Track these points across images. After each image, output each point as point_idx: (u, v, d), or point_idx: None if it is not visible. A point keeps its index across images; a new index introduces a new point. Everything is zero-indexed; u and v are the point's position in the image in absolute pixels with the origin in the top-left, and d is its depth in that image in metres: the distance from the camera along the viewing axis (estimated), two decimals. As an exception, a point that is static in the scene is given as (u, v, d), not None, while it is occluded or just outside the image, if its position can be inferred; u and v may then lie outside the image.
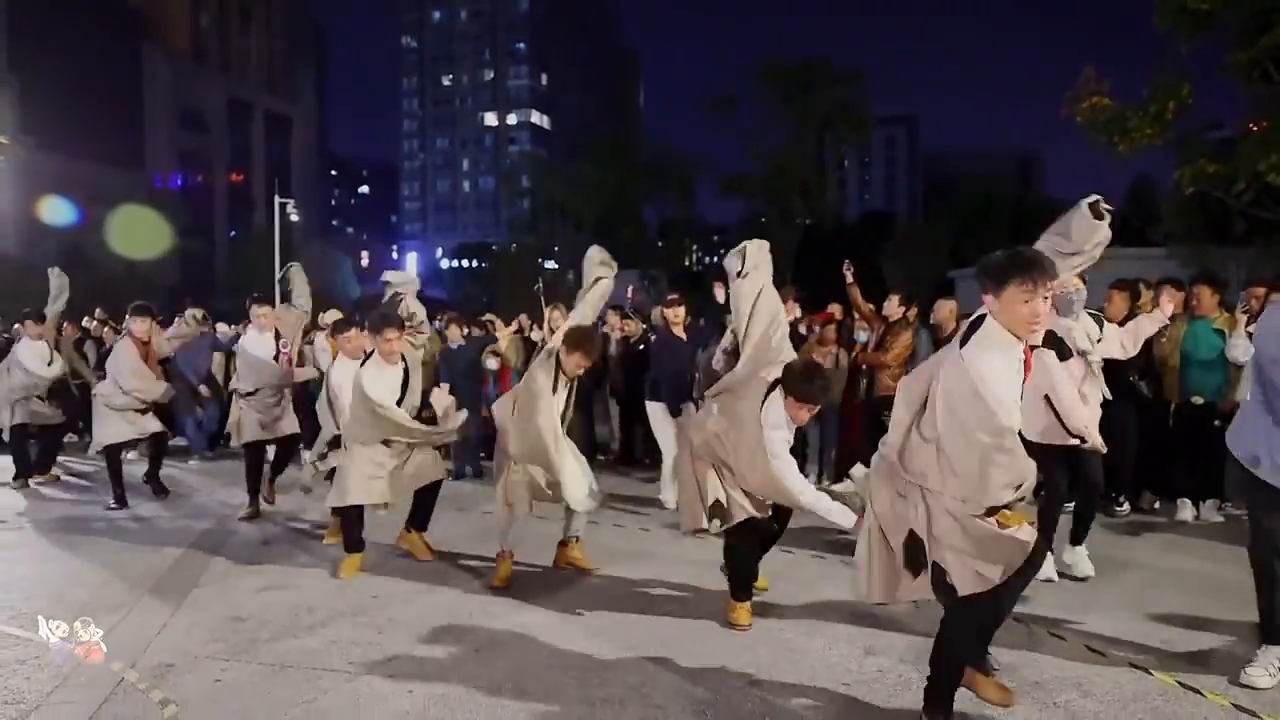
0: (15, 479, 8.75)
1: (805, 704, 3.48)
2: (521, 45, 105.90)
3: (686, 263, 58.96)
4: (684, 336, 7.63)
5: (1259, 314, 6.70)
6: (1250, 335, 6.56)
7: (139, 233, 42.02)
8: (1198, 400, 6.94)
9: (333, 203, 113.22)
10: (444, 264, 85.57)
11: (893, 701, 3.49)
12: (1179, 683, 3.65)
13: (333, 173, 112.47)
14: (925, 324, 8.24)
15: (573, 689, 3.63)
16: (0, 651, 4.14)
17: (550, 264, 53.91)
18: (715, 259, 69.81)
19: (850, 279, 7.97)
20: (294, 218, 40.83)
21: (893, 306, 7.87)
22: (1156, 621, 4.44)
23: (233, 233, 68.34)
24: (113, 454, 7.69)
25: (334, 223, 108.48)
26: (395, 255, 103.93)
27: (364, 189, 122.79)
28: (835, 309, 8.66)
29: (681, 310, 7.80)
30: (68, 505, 7.93)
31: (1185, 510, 7.03)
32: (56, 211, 38.49)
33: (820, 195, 48.07)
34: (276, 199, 38.33)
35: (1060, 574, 5.11)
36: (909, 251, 35.94)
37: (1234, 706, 3.41)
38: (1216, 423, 7.09)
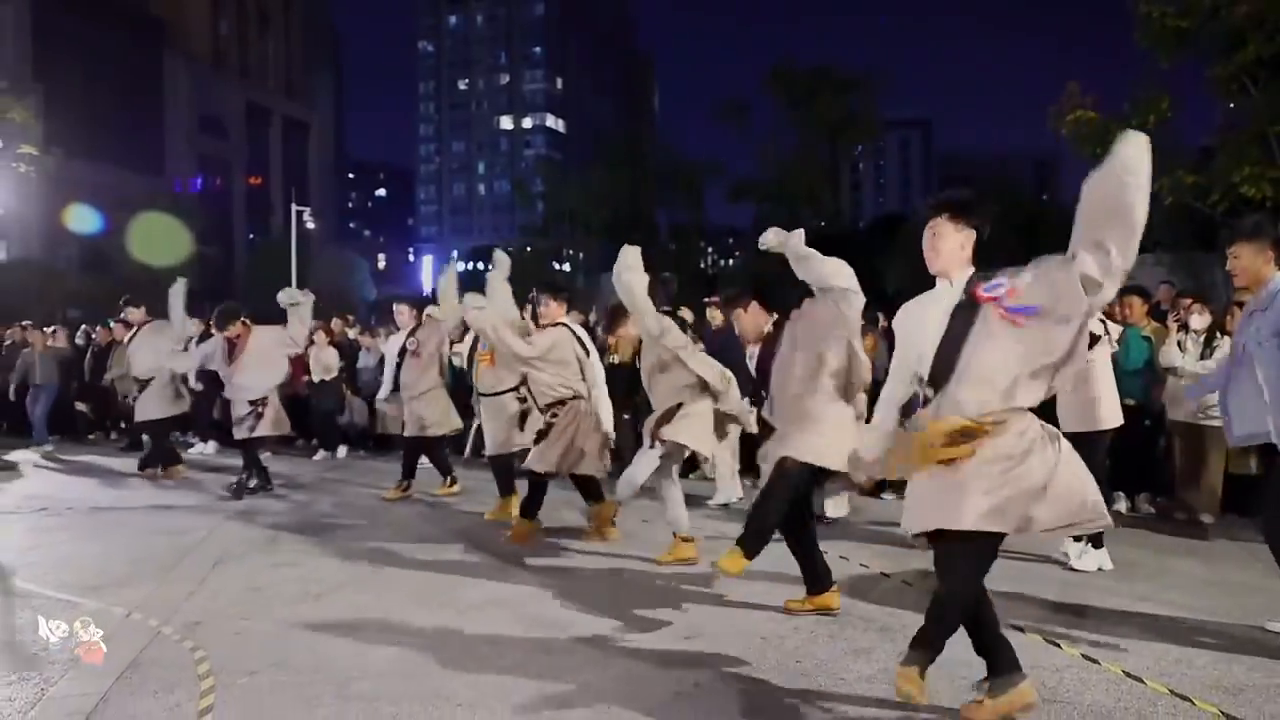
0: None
1: (728, 651, 4.15)
2: (537, 49, 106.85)
3: (701, 265, 59.63)
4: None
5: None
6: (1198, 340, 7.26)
7: (160, 237, 42.99)
8: (1129, 402, 7.55)
9: (350, 206, 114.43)
10: (460, 267, 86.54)
11: (800, 650, 4.17)
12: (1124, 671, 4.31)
13: (350, 176, 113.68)
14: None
15: (536, 640, 4.33)
16: (60, 611, 4.86)
17: (564, 266, 54.74)
18: (729, 261, 70.46)
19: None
20: (310, 225, 41.66)
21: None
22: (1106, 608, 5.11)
23: (251, 235, 69.43)
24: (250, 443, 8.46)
25: (351, 225, 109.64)
26: (411, 258, 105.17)
27: (381, 192, 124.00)
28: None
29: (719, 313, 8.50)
30: (99, 493, 8.70)
31: (1120, 503, 7.69)
32: (81, 218, 39.48)
33: (830, 200, 48.62)
34: (294, 207, 39.15)
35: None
36: (911, 255, 36.46)
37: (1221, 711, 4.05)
38: (1147, 422, 7.79)
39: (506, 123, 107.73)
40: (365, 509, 7.80)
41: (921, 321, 3.45)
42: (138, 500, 8.27)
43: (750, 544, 4.44)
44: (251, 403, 8.32)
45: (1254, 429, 4.37)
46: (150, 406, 9.35)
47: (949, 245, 3.38)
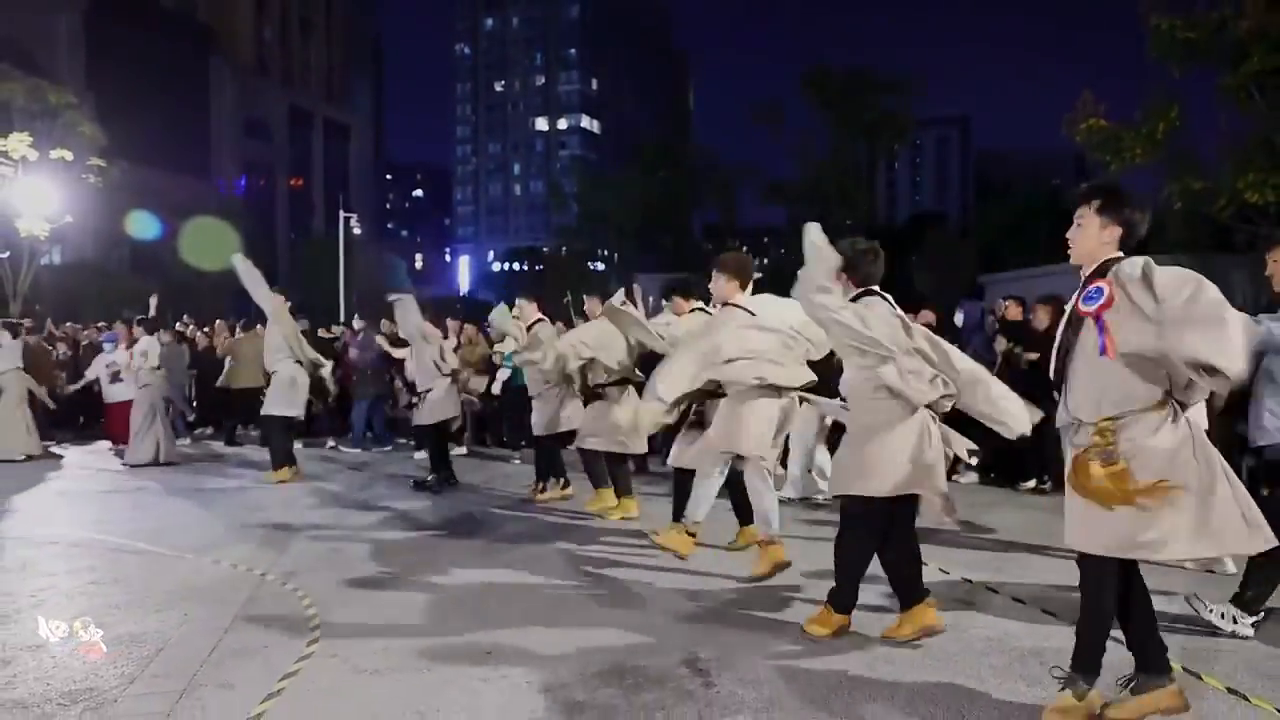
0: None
1: (723, 599, 5.10)
2: (572, 51, 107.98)
3: (737, 264, 60.28)
4: None
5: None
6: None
7: (209, 240, 44.52)
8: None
9: (388, 206, 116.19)
10: (495, 267, 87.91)
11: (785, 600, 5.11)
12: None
13: (388, 177, 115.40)
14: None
15: (571, 584, 5.31)
16: (178, 564, 5.93)
17: (599, 266, 55.81)
18: (764, 260, 71.06)
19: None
20: (356, 230, 43.01)
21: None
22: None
23: (292, 236, 71.18)
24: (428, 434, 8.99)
25: (389, 226, 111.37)
26: (448, 258, 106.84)
27: (418, 193, 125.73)
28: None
29: None
30: (186, 476, 9.79)
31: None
32: (138, 223, 41.09)
33: (864, 199, 49.20)
34: (342, 213, 40.56)
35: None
36: (940, 259, 36.88)
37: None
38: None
39: (542, 124, 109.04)
40: (414, 491, 8.81)
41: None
42: (220, 483, 9.37)
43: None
44: (420, 393, 8.77)
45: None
46: (272, 403, 9.37)
47: (1088, 238, 3.33)
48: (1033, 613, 4.77)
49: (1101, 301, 3.15)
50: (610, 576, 5.53)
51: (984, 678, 3.86)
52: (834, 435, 8.36)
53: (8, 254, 21.72)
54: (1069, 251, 3.38)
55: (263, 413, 9.51)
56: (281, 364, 9.20)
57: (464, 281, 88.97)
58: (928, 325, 9.49)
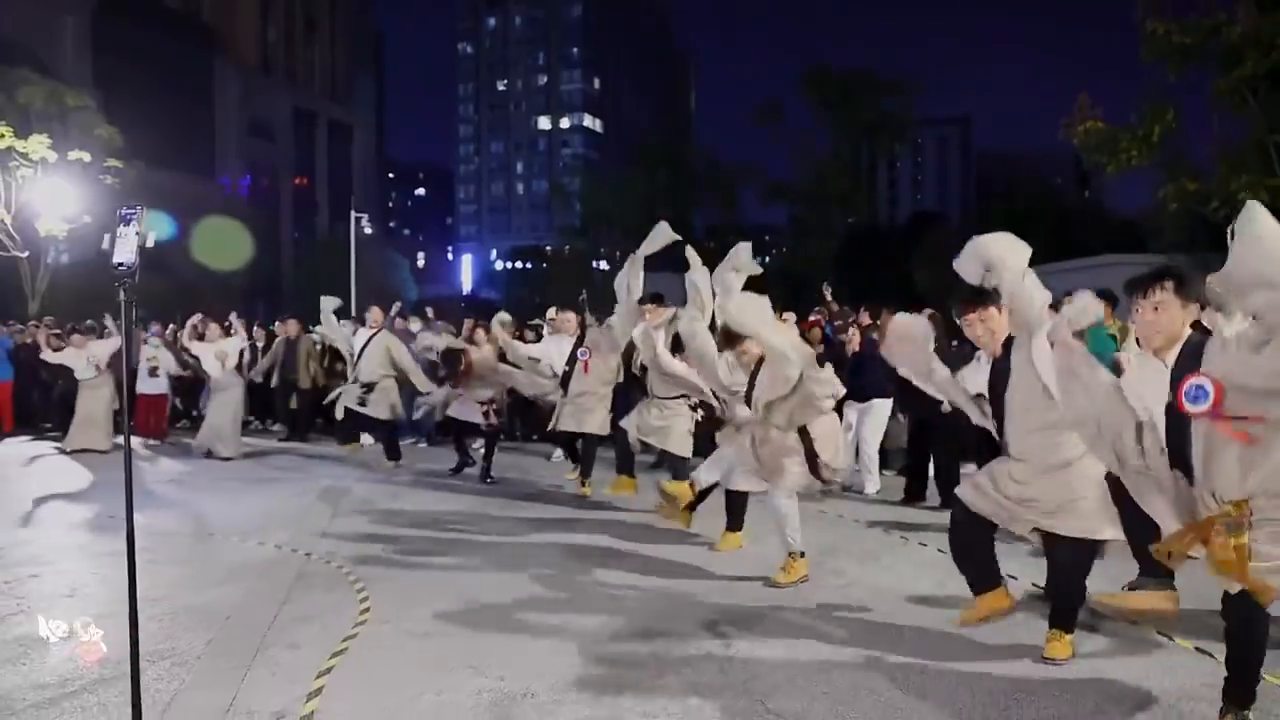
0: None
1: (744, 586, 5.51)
2: (575, 50, 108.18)
3: (738, 263, 60.65)
4: None
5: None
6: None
7: (217, 240, 45.00)
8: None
9: (390, 205, 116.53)
10: (498, 266, 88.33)
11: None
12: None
13: (390, 176, 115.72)
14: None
15: (573, 568, 5.72)
16: (225, 546, 6.35)
17: (602, 265, 56.25)
18: (766, 259, 71.33)
19: (828, 296, 10.01)
20: (367, 230, 43.43)
21: (863, 316, 9.86)
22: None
23: (296, 235, 71.57)
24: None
25: (391, 225, 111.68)
26: (450, 257, 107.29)
27: (420, 192, 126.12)
28: (818, 316, 10.64)
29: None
30: (221, 468, 10.19)
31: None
32: (156, 226, 41.45)
33: (864, 199, 49.62)
34: (353, 213, 40.99)
35: None
36: (940, 259, 37.29)
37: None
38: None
39: (544, 123, 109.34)
40: (435, 481, 9.23)
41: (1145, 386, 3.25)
42: (255, 474, 9.79)
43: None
44: (482, 403, 9.05)
45: None
46: (381, 408, 9.99)
47: (1172, 321, 3.17)
48: (1023, 588, 5.19)
49: (1209, 403, 2.89)
50: (636, 558, 5.95)
51: (977, 643, 4.27)
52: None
53: (27, 254, 22.17)
54: (1152, 335, 3.22)
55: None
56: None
57: (466, 280, 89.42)
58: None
